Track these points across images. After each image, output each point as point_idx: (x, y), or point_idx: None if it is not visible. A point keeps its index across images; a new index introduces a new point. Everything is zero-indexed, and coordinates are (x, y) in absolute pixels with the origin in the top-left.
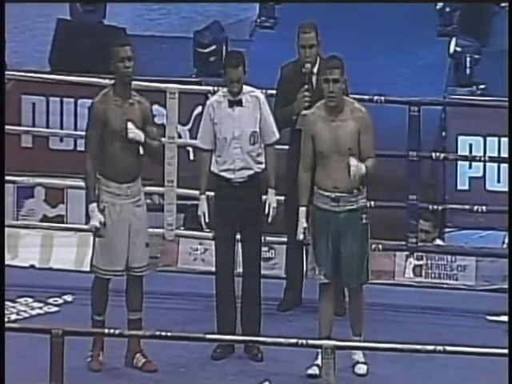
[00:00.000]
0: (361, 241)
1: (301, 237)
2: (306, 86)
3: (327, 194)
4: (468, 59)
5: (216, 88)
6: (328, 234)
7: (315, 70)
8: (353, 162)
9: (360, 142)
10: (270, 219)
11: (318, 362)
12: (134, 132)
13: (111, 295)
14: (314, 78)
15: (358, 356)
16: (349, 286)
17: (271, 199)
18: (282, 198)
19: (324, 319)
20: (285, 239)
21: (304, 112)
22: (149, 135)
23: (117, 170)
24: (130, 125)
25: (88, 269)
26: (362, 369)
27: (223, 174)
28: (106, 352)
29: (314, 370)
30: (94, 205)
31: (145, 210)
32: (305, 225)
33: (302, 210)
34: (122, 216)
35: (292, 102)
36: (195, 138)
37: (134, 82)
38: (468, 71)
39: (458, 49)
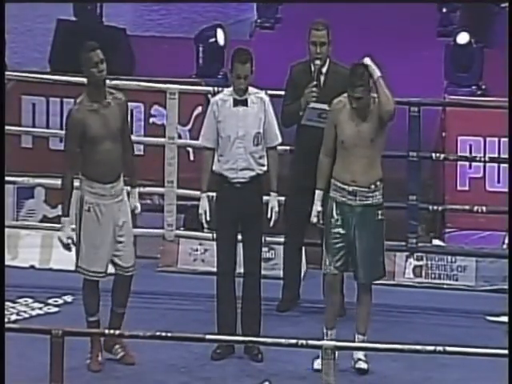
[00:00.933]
0: (375, 237)
1: (314, 220)
2: (315, 82)
3: (345, 186)
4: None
5: (217, 88)
6: (343, 226)
7: (324, 69)
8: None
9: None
10: (272, 223)
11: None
12: (138, 209)
13: (106, 295)
14: (322, 78)
15: (360, 354)
16: (361, 282)
17: (273, 203)
18: (282, 198)
19: (329, 311)
20: (283, 239)
21: (311, 105)
22: (126, 131)
23: (100, 172)
24: (138, 206)
25: None
26: (362, 364)
27: (225, 173)
28: (104, 352)
29: (320, 365)
30: (67, 219)
31: (128, 208)
32: (319, 208)
33: (319, 193)
34: (107, 216)
35: (299, 99)
36: (195, 139)
37: (134, 83)
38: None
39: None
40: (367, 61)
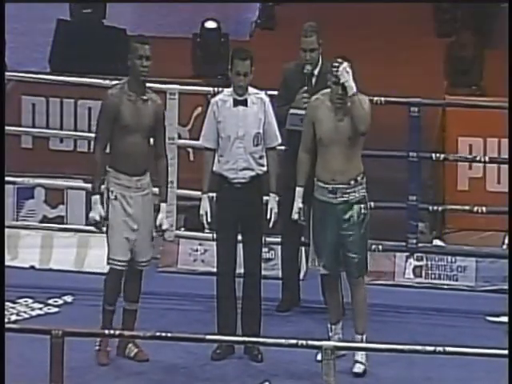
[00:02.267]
0: (359, 232)
1: (295, 216)
2: (306, 88)
3: (325, 186)
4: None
5: (217, 89)
6: (326, 225)
7: (316, 71)
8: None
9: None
10: (271, 224)
11: None
12: (165, 225)
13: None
14: (313, 79)
15: (359, 356)
16: (349, 277)
17: (273, 204)
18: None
19: (331, 307)
20: (280, 240)
21: (291, 111)
22: (160, 134)
23: (127, 163)
24: (165, 222)
25: (88, 269)
26: (358, 368)
27: (225, 173)
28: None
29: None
30: (97, 197)
31: (152, 205)
32: (300, 205)
33: (299, 190)
34: (132, 208)
35: (292, 101)
36: (195, 139)
37: None
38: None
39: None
40: (344, 74)
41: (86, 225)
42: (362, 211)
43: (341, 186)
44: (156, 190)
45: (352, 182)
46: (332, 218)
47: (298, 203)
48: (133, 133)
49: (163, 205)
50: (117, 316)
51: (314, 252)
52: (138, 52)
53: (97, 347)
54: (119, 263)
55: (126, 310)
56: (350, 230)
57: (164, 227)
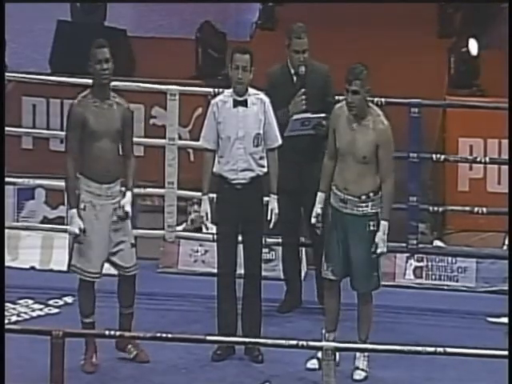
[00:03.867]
0: (366, 248)
1: (313, 220)
2: (303, 90)
3: (338, 193)
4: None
5: (217, 90)
6: (337, 232)
7: (302, 69)
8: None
9: (378, 156)
10: (271, 225)
11: (319, 355)
12: (128, 210)
13: (102, 296)
14: (301, 80)
15: (361, 363)
16: (357, 291)
17: (273, 205)
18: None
19: (329, 314)
20: (281, 241)
21: (294, 117)
22: (127, 138)
23: (97, 170)
24: (127, 209)
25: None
26: (359, 375)
27: (226, 174)
28: (105, 353)
29: (314, 364)
30: (75, 211)
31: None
32: (319, 211)
33: (321, 195)
34: (102, 217)
35: (283, 105)
36: (196, 140)
37: (134, 84)
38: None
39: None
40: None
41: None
42: (371, 228)
43: (352, 197)
44: (141, 190)
45: (363, 197)
46: (340, 226)
47: (318, 208)
48: (100, 138)
49: (128, 192)
50: (114, 318)
51: (325, 256)
52: (96, 57)
53: (82, 361)
54: (90, 275)
55: (122, 314)
56: (358, 244)
57: (126, 209)
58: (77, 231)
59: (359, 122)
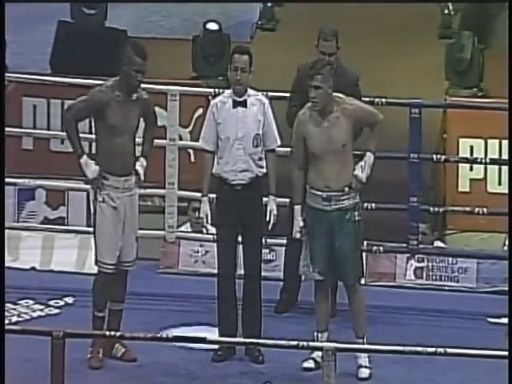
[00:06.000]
0: (354, 238)
1: (297, 235)
2: None
3: (319, 193)
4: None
5: (217, 90)
6: (321, 232)
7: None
8: (357, 171)
9: (361, 122)
10: (270, 226)
11: (314, 355)
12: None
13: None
14: None
15: (362, 360)
16: (345, 284)
17: (272, 206)
18: (283, 199)
19: (320, 315)
20: (285, 241)
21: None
22: (148, 131)
23: (115, 164)
24: (139, 169)
25: (89, 271)
26: (364, 373)
27: (225, 175)
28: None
29: (310, 363)
30: (85, 156)
31: (137, 205)
32: (301, 223)
33: (297, 208)
34: (120, 209)
35: (304, 101)
36: (196, 140)
37: None
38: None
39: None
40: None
41: (87, 226)
42: (356, 218)
43: (335, 193)
44: (142, 191)
45: (346, 189)
46: (326, 225)
47: (299, 222)
48: (121, 134)
49: (142, 158)
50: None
51: (308, 259)
52: (134, 65)
53: (89, 355)
54: (108, 266)
55: (111, 311)
56: (344, 236)
57: (139, 171)
58: (95, 175)
59: (327, 117)
